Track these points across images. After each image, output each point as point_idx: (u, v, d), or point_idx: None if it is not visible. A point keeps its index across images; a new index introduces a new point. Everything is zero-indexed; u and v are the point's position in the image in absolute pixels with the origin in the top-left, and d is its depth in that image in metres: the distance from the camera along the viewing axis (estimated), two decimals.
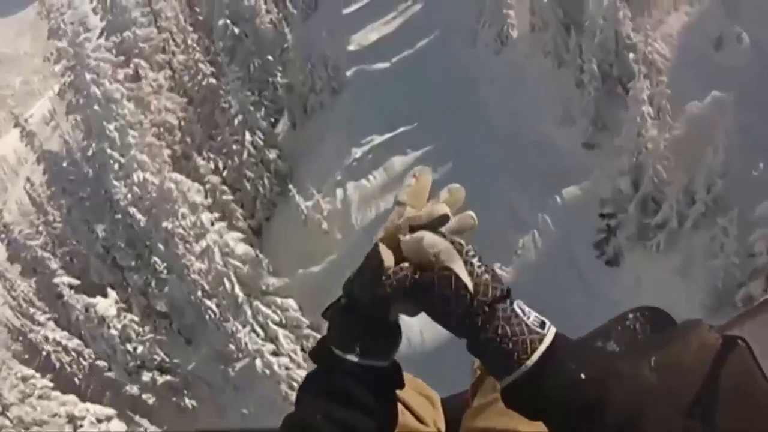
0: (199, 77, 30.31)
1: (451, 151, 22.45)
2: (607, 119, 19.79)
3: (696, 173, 16.29)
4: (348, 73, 27.63)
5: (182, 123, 28.00)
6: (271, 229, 27.24)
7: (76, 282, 22.42)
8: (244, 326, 20.15)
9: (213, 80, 29.21)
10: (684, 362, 1.08)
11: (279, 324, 21.26)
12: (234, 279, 20.25)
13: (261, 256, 24.09)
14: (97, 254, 24.55)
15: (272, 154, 27.15)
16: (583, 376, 0.97)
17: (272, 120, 31.07)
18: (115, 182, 21.62)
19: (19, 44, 58.36)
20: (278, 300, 21.23)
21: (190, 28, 30.40)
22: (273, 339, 21.29)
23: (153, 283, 24.18)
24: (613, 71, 19.66)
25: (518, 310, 1.04)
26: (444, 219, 1.08)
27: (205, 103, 30.69)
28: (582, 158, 20.06)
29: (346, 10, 31.07)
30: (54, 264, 22.95)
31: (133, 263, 23.74)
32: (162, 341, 23.96)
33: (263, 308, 20.74)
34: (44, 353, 23.04)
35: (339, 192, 23.77)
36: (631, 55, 19.74)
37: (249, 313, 20.63)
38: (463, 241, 1.08)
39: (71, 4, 31.64)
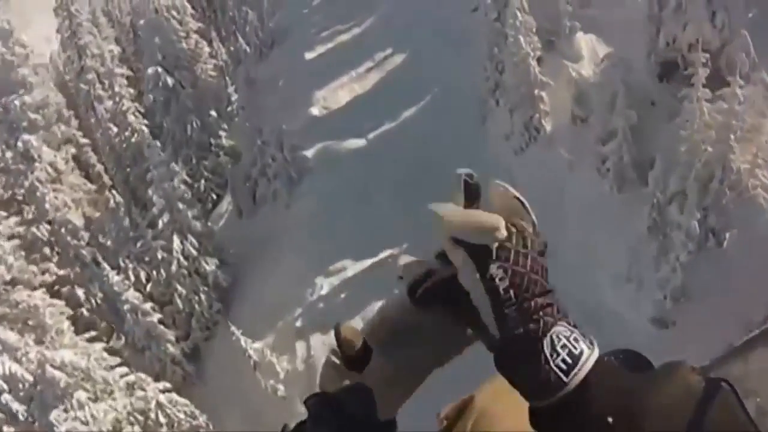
0: (128, 132, 23.89)
1: None
2: (691, 287, 13.44)
3: None
4: (309, 154, 20.89)
5: (91, 220, 21.12)
6: (210, 357, 20.81)
7: None
8: None
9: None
10: (665, 407, 0.98)
11: None
12: None
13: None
14: None
15: (210, 265, 20.45)
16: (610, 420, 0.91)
17: (214, 197, 24.44)
18: None
19: None
20: None
21: (119, 71, 23.95)
22: None
23: None
24: (709, 220, 13.16)
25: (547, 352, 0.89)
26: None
27: (135, 166, 24.37)
28: (651, 340, 13.67)
29: (309, 55, 24.11)
30: None
31: None
32: None
33: None
34: None
35: (300, 347, 17.15)
36: (729, 192, 13.37)
37: None
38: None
39: None
